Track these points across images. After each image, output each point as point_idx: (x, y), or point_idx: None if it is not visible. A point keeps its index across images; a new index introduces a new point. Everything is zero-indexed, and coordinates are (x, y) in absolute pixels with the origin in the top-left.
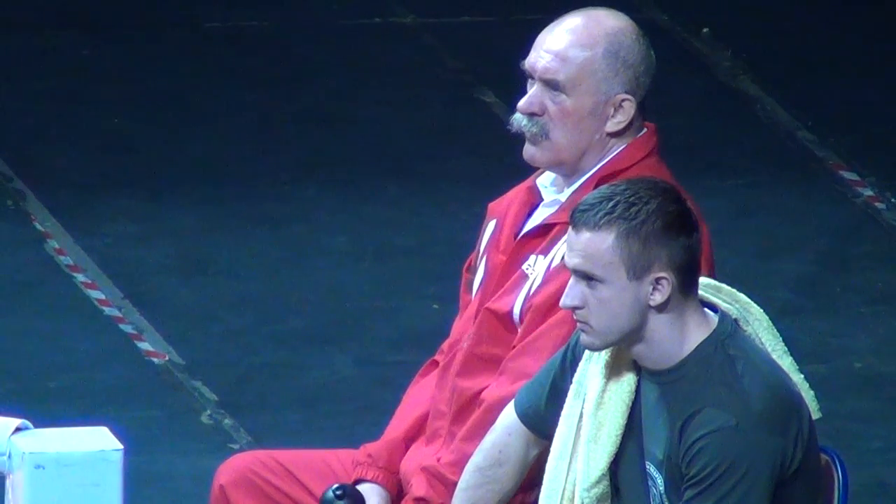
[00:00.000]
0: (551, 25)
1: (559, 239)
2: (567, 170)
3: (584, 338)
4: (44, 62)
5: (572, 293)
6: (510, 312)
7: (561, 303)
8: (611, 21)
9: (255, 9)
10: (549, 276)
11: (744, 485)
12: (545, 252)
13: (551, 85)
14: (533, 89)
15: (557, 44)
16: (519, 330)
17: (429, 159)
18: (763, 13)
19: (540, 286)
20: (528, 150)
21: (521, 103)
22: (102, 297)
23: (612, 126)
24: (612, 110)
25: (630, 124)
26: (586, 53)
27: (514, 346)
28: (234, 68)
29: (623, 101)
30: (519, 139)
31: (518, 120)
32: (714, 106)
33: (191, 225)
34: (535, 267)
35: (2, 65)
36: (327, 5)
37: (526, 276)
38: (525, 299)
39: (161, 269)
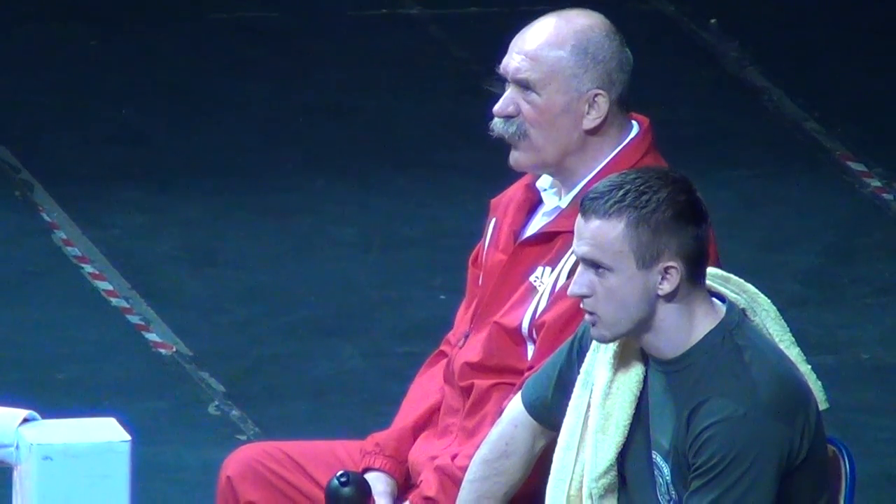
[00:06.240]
0: (525, 27)
1: (565, 250)
2: (553, 171)
3: (593, 331)
4: (51, 54)
5: (580, 281)
6: (519, 327)
7: (569, 291)
8: (581, 19)
9: (261, 0)
10: (559, 293)
11: (750, 474)
12: (553, 264)
13: (523, 85)
14: (507, 91)
15: (529, 45)
16: (528, 344)
17: (436, 150)
18: (770, 4)
19: (550, 303)
20: (512, 156)
21: (497, 106)
22: (110, 288)
23: (588, 123)
24: (587, 107)
25: (606, 121)
26: (556, 52)
27: (530, 367)
28: (241, 60)
29: (596, 96)
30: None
31: (496, 124)
32: (721, 97)
33: (198, 216)
34: (543, 279)
35: (9, 56)
36: None
37: (534, 289)
38: (534, 314)
39: (168, 261)
